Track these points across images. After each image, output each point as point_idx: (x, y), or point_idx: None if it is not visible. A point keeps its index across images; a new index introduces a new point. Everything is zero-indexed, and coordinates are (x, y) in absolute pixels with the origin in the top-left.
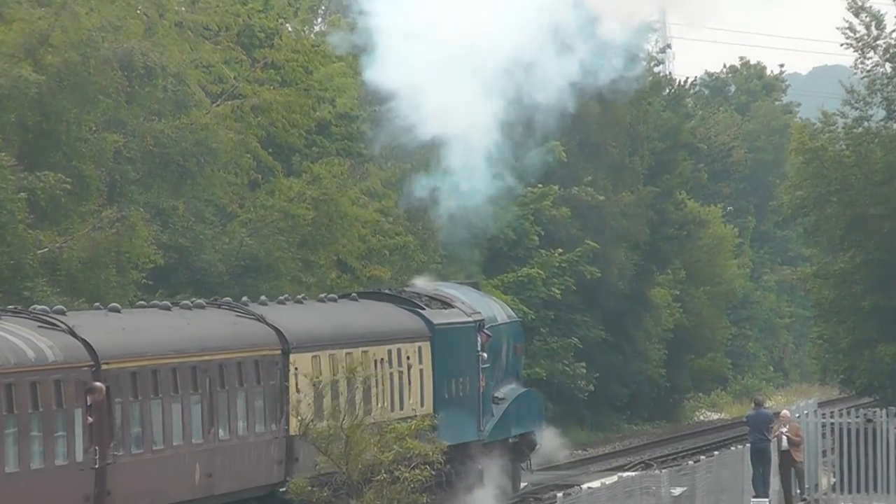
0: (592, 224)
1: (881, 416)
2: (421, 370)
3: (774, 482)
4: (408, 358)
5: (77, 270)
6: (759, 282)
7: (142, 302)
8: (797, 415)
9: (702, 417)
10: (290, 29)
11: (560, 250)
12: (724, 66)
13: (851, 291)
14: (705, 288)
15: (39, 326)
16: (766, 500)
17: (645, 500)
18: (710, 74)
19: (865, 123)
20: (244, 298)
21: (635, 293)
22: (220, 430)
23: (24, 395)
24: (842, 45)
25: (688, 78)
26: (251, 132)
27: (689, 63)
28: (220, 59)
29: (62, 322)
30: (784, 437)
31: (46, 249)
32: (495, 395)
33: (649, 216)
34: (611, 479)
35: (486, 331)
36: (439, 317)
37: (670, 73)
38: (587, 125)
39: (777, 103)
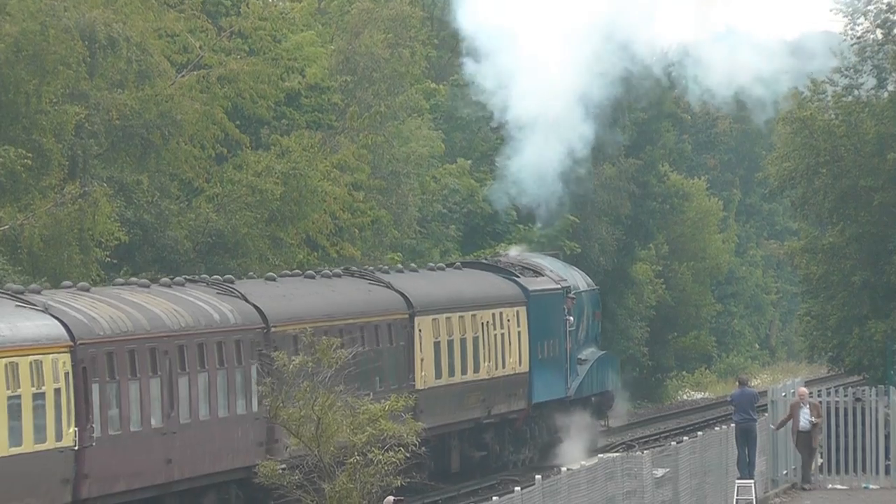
0: (572, 197)
1: (870, 395)
2: (519, 332)
3: (760, 463)
4: (508, 321)
5: (39, 249)
6: (745, 257)
7: (286, 271)
8: (783, 394)
9: (685, 397)
10: None
11: (539, 225)
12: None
13: (841, 266)
14: (689, 263)
15: (218, 293)
16: (752, 481)
17: (627, 482)
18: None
19: (856, 92)
20: (367, 267)
21: (617, 269)
22: (363, 386)
23: (213, 353)
24: (831, 10)
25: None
26: (217, 104)
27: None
28: (184, 28)
29: (236, 289)
30: (806, 417)
31: (7, 227)
32: (578, 356)
33: (631, 189)
34: (591, 461)
35: (571, 297)
36: (533, 284)
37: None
38: None
39: None
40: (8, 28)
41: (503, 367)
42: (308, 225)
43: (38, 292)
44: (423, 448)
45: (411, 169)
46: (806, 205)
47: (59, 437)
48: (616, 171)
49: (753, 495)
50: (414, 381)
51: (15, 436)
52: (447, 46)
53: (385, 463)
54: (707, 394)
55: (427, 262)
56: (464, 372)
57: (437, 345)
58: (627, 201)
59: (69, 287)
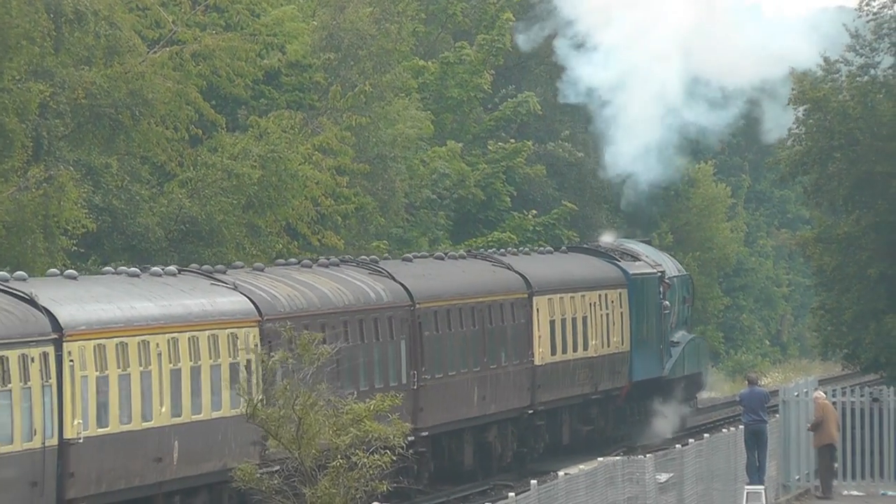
0: (570, 183)
1: (888, 395)
2: (621, 314)
3: (770, 467)
4: (612, 302)
5: (0, 236)
6: (755, 247)
7: (414, 253)
8: (795, 393)
9: None
10: None
11: (534, 212)
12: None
13: (856, 257)
14: (695, 254)
15: (370, 273)
16: (762, 487)
17: (628, 487)
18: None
19: (871, 71)
20: (481, 249)
21: None
22: (491, 360)
23: (370, 327)
24: None
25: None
26: (191, 82)
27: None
28: (156, 1)
29: (384, 269)
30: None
31: None
32: (671, 338)
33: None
34: (591, 465)
35: (667, 281)
36: (633, 268)
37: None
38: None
39: None
40: None
41: (608, 345)
42: (288, 212)
43: (224, 272)
44: (411, 451)
45: (398, 152)
46: (819, 192)
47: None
48: None
49: (763, 502)
50: (533, 356)
51: (216, 402)
52: (436, 21)
53: (370, 467)
54: (714, 393)
55: (412, 251)
56: (574, 349)
57: (552, 323)
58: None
59: (241, 267)
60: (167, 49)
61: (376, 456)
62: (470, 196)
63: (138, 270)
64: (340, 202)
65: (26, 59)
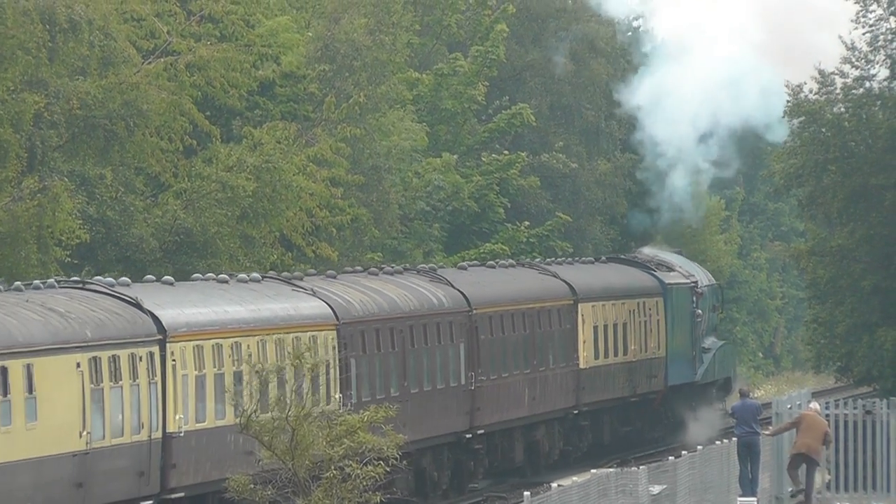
0: (564, 195)
1: (881, 408)
2: (658, 321)
3: (763, 479)
4: (649, 310)
5: None
6: (749, 259)
7: (466, 263)
8: (788, 406)
9: None
10: None
11: (528, 224)
12: None
13: (850, 270)
14: None
15: (430, 280)
16: (754, 499)
17: (621, 499)
18: None
19: (867, 84)
20: (536, 259)
21: None
22: (540, 363)
23: (433, 331)
24: None
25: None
26: (186, 93)
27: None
28: (151, 12)
29: (443, 276)
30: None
31: None
32: (703, 345)
33: (627, 186)
34: (584, 477)
35: (699, 291)
36: (668, 278)
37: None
38: (559, 85)
39: None
40: None
41: (645, 351)
42: (282, 223)
43: (301, 278)
44: (404, 462)
45: (393, 164)
46: (814, 204)
47: (328, 401)
48: (611, 167)
49: None
50: (578, 360)
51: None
52: (431, 32)
53: (363, 478)
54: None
55: (407, 263)
56: (615, 354)
57: (595, 329)
58: (623, 199)
59: (314, 273)
60: (162, 60)
61: (369, 467)
62: (464, 208)
63: (227, 277)
64: (335, 213)
65: (21, 69)
